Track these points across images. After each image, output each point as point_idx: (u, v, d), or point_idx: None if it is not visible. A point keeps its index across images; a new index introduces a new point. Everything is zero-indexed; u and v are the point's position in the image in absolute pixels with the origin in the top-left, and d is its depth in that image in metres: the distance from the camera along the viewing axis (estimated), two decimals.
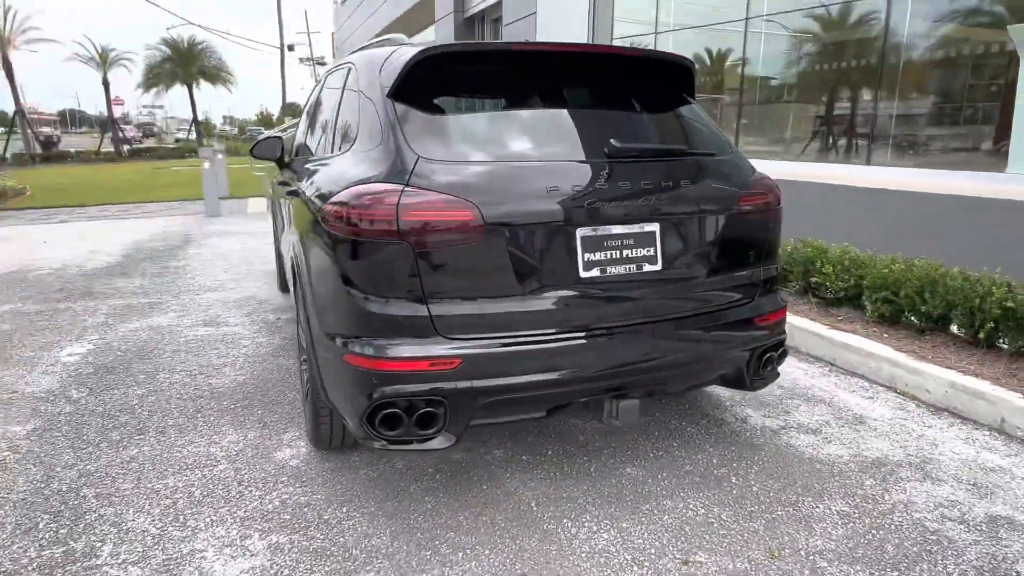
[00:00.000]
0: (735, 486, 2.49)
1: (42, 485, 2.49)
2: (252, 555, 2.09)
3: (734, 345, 2.47)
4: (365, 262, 2.06)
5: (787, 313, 2.73)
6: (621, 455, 2.72)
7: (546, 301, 2.15)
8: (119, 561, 2.07)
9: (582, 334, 2.18)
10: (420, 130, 2.19)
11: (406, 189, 2.03)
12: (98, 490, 2.46)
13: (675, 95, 2.68)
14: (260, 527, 2.23)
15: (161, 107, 70.65)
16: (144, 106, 69.21)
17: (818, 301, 4.21)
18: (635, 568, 2.03)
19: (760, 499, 2.41)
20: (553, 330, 2.16)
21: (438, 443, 2.14)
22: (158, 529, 2.22)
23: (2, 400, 3.29)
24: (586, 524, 2.26)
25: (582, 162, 2.25)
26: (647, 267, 2.26)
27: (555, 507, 2.35)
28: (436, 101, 2.30)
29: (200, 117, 37.12)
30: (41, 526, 2.24)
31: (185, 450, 2.76)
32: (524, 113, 2.44)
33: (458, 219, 2.02)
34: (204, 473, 2.58)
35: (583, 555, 2.09)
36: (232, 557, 2.08)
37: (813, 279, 4.23)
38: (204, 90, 43.79)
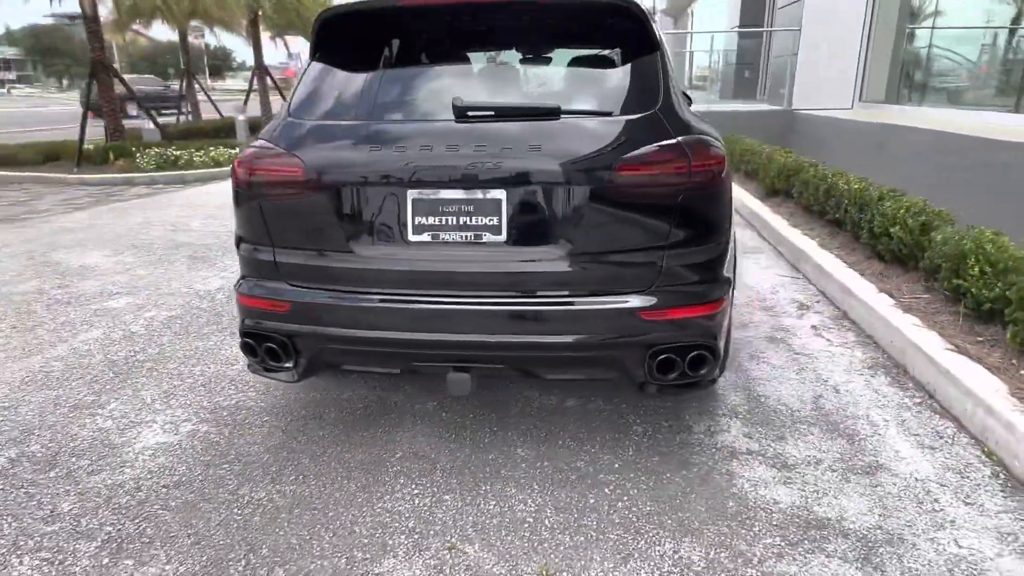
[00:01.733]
0: (606, 496, 2.19)
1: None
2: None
3: (609, 339, 2.11)
4: (240, 211, 2.32)
5: (719, 311, 2.19)
6: (533, 436, 2.56)
7: (374, 261, 2.15)
8: None
9: (410, 299, 2.14)
10: (308, 91, 2.32)
11: (267, 147, 2.21)
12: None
13: (608, 44, 2.30)
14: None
15: None
16: None
17: (968, 312, 3.11)
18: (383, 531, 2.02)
19: (619, 515, 2.08)
20: (380, 291, 2.16)
21: (285, 376, 2.36)
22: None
23: None
24: (416, 485, 2.26)
25: (427, 121, 2.14)
26: (488, 237, 2.08)
27: (412, 462, 2.39)
28: (330, 62, 2.38)
29: None
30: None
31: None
32: (406, 71, 2.38)
33: (287, 174, 2.15)
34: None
35: (372, 508, 2.13)
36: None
37: (959, 281, 3.13)
38: None
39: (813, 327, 3.65)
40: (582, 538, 2.00)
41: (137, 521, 2.10)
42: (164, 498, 2.21)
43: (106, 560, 1.93)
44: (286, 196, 2.18)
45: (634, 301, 2.09)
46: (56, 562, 1.93)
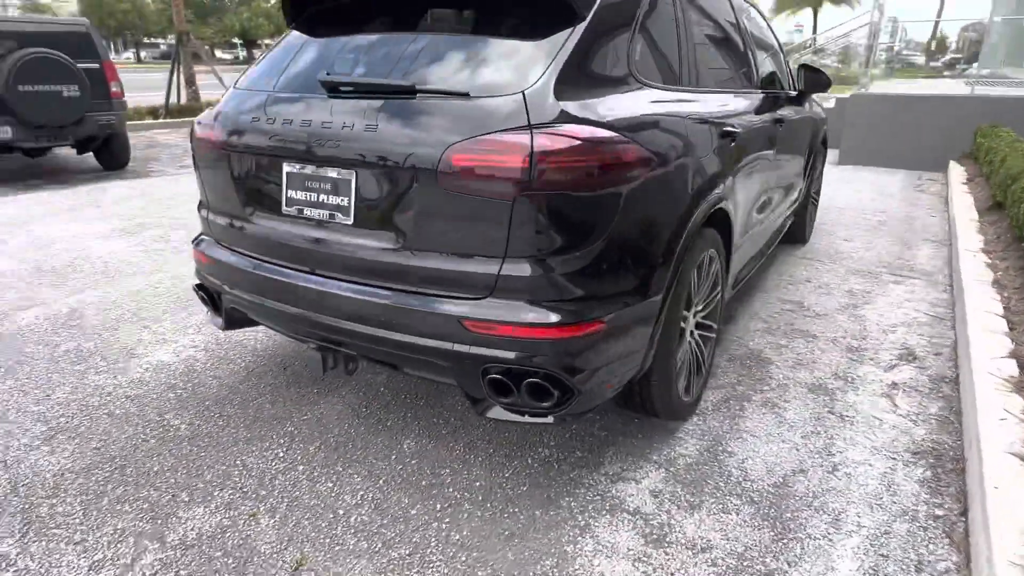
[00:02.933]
0: (431, 512, 2.02)
1: None
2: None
3: (433, 345, 1.90)
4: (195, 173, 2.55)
5: (576, 337, 1.82)
6: (433, 434, 2.45)
7: (257, 227, 2.22)
8: None
9: (280, 269, 2.17)
10: (264, 60, 2.44)
11: (207, 112, 2.41)
12: None
13: (519, 10, 2.00)
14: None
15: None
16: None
17: None
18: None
19: (419, 536, 1.93)
20: (263, 258, 2.23)
21: (216, 324, 2.57)
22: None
23: None
24: (286, 450, 2.34)
25: (307, 96, 2.09)
26: (340, 218, 2.01)
27: (309, 428, 2.47)
28: (292, 31, 2.44)
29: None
30: None
31: None
32: (319, 41, 2.31)
33: (207, 139, 2.30)
34: None
35: (234, 459, 2.27)
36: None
37: None
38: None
39: (890, 384, 2.81)
40: (364, 545, 1.90)
41: (80, 418, 2.53)
42: (113, 406, 2.62)
43: (38, 443, 2.38)
44: (209, 161, 2.35)
45: (462, 308, 1.85)
46: (7, 434, 2.43)
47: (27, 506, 2.05)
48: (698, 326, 2.55)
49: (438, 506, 2.06)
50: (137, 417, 2.54)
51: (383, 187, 1.91)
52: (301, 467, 2.25)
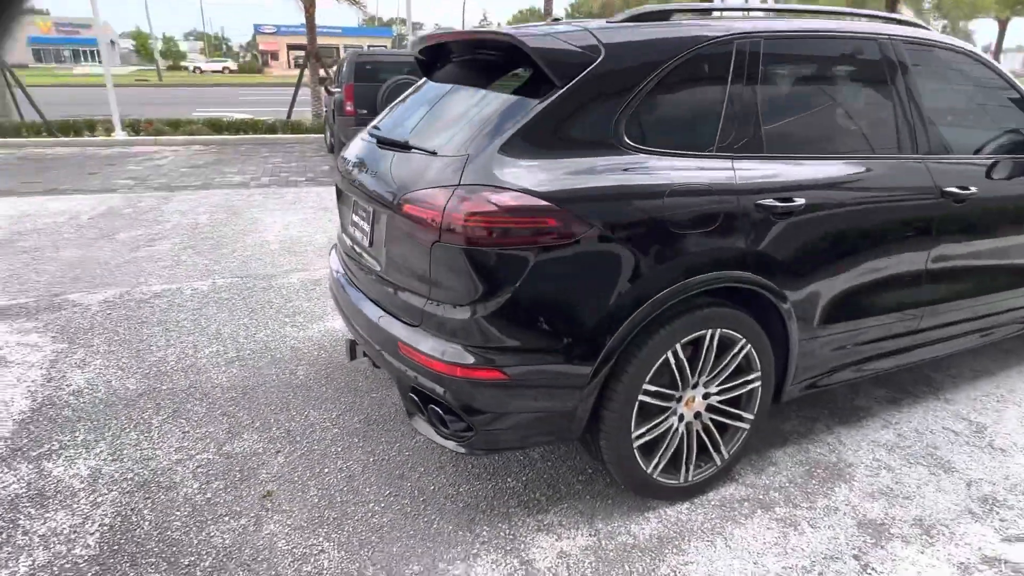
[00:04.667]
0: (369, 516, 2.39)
1: None
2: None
3: (387, 358, 2.24)
4: None
5: (468, 379, 1.97)
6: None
7: (341, 241, 2.83)
8: None
9: (347, 280, 2.73)
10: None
11: None
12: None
13: (510, 80, 2.15)
14: None
15: None
16: None
17: None
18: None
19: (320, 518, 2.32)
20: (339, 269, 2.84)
21: None
22: None
23: None
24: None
25: (373, 141, 2.57)
26: (363, 240, 2.48)
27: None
28: (424, 82, 2.95)
29: None
30: None
31: None
32: (419, 94, 2.73)
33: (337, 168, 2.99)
34: None
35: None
36: None
37: None
38: None
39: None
40: (317, 500, 2.37)
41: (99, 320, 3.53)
42: (139, 315, 3.57)
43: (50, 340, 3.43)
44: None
45: (401, 331, 2.17)
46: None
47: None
48: (715, 410, 2.35)
49: (387, 491, 2.42)
50: (145, 325, 3.44)
51: (381, 220, 2.33)
52: (279, 458, 2.83)
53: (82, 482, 2.43)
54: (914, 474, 2.58)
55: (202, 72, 54.27)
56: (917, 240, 2.63)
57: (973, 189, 2.72)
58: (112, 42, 66.29)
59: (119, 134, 11.92)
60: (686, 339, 2.19)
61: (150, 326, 3.83)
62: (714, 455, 2.40)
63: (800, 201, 2.26)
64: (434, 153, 2.14)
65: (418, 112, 2.58)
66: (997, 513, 2.37)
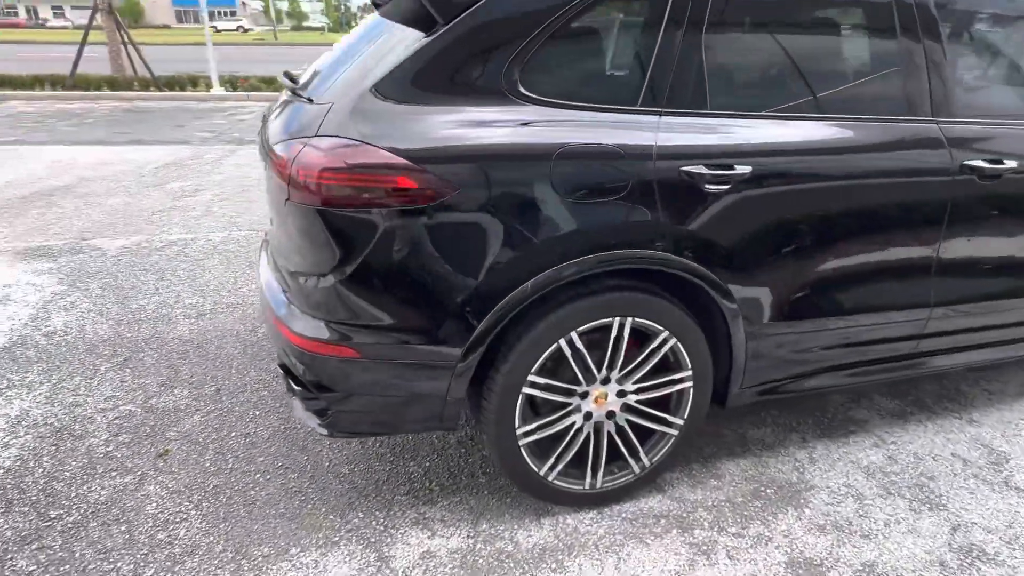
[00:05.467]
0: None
1: None
2: None
3: (273, 336, 2.09)
4: None
5: (311, 352, 1.79)
6: None
7: None
8: None
9: (264, 246, 2.59)
10: None
11: None
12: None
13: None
14: None
15: None
16: None
17: None
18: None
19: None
20: None
21: None
22: None
23: None
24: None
25: (288, 90, 2.36)
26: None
27: None
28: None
29: None
30: None
31: None
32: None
33: None
34: None
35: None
36: None
37: None
38: None
39: None
40: (210, 464, 2.30)
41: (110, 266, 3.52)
42: (145, 263, 3.54)
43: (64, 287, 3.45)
44: None
45: (274, 301, 2.00)
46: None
47: None
48: (634, 411, 2.04)
49: (280, 463, 2.30)
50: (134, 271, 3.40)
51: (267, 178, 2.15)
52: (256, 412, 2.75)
53: (7, 422, 2.49)
54: (887, 508, 2.14)
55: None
56: (921, 226, 2.13)
57: (1011, 164, 2.16)
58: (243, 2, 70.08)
59: (217, 90, 12.52)
60: (585, 327, 1.88)
61: (148, 274, 3.92)
62: (631, 461, 2.09)
63: (743, 169, 1.86)
64: (310, 100, 1.93)
65: (338, 54, 2.35)
66: (977, 570, 1.91)
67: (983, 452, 2.43)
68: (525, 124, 1.75)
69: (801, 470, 2.31)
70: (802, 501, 2.16)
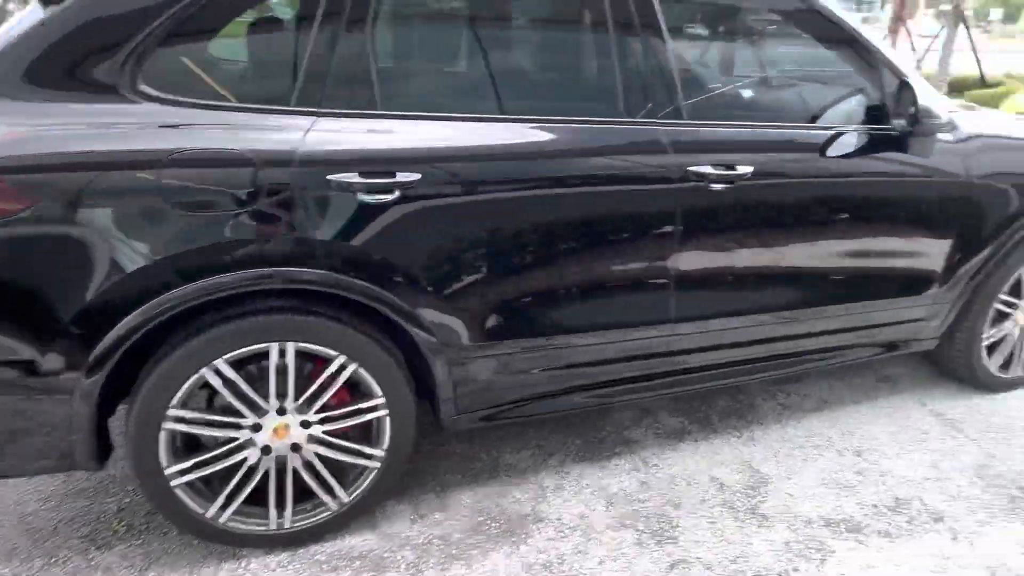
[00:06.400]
0: None
1: None
2: None
3: None
4: None
5: None
6: None
7: None
8: None
9: None
10: None
11: None
12: None
13: None
14: None
15: None
16: None
17: None
18: None
19: None
20: None
21: None
22: None
23: None
24: None
25: None
26: None
27: None
28: None
29: None
30: None
31: None
32: None
33: None
34: None
35: None
36: None
37: None
38: None
39: None
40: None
41: None
42: None
43: None
44: None
45: None
46: None
47: None
48: (327, 444, 1.84)
49: None
50: None
51: None
52: None
53: None
54: (612, 542, 1.98)
55: None
56: (647, 237, 1.96)
57: (745, 169, 2.00)
58: None
59: None
60: (234, 354, 1.67)
61: None
62: (327, 498, 1.90)
63: (409, 177, 1.67)
64: None
65: None
66: None
67: (745, 475, 2.28)
68: (137, 126, 1.53)
69: (541, 499, 2.14)
70: (524, 536, 1.99)
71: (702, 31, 2.09)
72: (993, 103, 10.57)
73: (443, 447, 2.38)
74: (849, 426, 2.56)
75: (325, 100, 1.64)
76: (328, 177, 1.61)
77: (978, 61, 12.29)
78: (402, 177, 1.66)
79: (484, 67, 1.84)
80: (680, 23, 2.00)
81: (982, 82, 12.05)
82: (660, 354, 2.14)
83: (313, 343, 1.72)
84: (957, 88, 11.99)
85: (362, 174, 1.63)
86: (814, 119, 2.24)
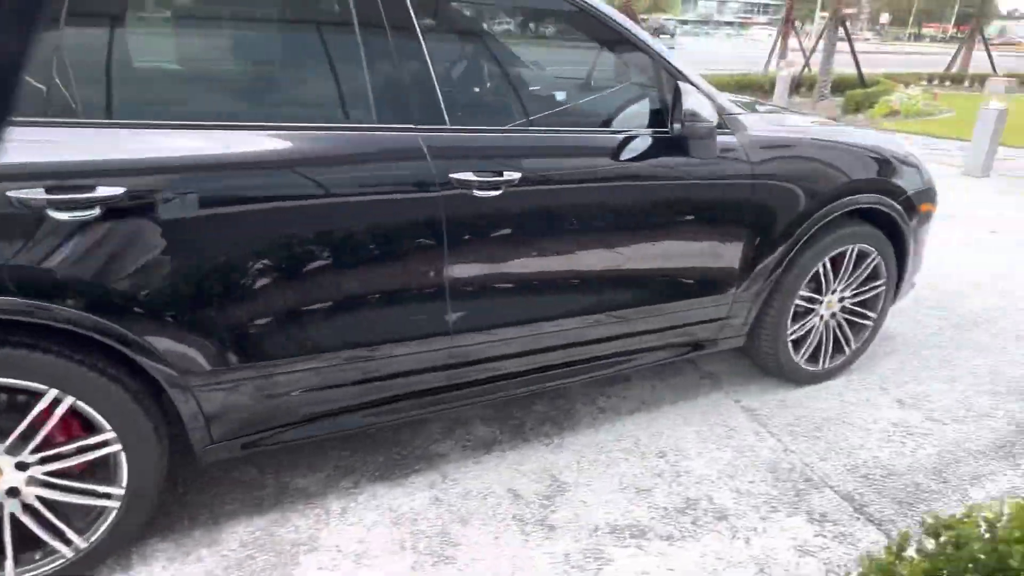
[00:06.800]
0: None
1: None
2: None
3: None
4: None
5: None
6: None
7: None
8: None
9: None
10: None
11: None
12: None
13: None
14: None
15: None
16: None
17: None
18: None
19: None
20: None
21: None
22: None
23: None
24: None
25: None
26: None
27: None
28: None
29: None
30: None
31: None
32: None
33: None
34: None
35: None
36: None
37: None
38: None
39: None
40: None
41: None
42: None
43: None
44: None
45: None
46: None
47: None
48: (52, 486, 1.68)
49: None
50: None
51: None
52: None
53: None
54: (387, 567, 1.89)
55: None
56: (410, 247, 1.88)
57: (512, 175, 1.94)
58: None
59: None
60: None
61: None
62: (56, 545, 1.72)
63: (111, 192, 1.52)
64: None
65: None
66: None
67: (544, 485, 2.24)
68: None
69: (323, 525, 2.03)
70: (291, 568, 1.87)
71: (473, 33, 2.03)
72: (867, 102, 11.19)
73: (230, 474, 2.23)
74: (661, 427, 2.57)
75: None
76: (8, 194, 1.45)
77: (857, 63, 13.01)
78: (103, 192, 1.51)
79: (210, 68, 1.71)
80: (443, 24, 1.93)
81: (861, 82, 12.76)
82: (441, 367, 2.07)
83: (13, 377, 1.55)
84: (838, 87, 12.65)
85: (48, 189, 1.47)
86: (601, 123, 2.23)
